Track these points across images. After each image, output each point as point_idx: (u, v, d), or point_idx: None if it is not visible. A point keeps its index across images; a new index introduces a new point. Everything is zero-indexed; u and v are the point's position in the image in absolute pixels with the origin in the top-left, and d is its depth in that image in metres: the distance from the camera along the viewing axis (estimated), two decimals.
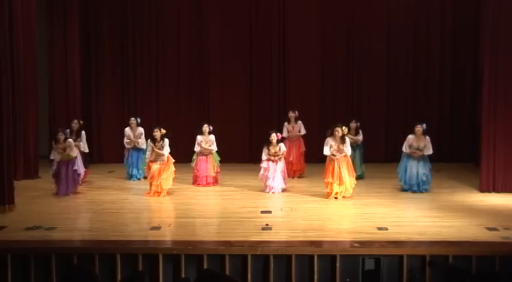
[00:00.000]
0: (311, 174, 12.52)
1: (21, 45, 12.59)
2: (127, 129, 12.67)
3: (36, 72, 13.29)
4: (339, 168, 10.72)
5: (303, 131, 12.76)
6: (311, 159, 12.88)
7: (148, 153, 11.46)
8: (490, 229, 8.66)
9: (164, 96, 14.99)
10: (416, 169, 11.24)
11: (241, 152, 14.46)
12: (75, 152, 11.34)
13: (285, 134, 12.48)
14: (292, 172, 12.51)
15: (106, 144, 14.38)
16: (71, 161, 11.24)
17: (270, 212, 9.85)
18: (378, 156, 13.82)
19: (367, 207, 10.22)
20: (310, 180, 12.30)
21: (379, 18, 14.77)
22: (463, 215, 9.51)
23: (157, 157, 11.27)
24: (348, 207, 10.33)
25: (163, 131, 11.42)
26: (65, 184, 11.17)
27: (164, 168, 11.24)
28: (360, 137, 12.30)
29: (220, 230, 9.08)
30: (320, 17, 14.82)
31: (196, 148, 12.00)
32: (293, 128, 12.78)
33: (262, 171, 11.45)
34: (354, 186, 10.91)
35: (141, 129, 12.62)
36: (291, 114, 12.83)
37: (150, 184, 11.26)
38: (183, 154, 12.40)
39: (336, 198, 10.73)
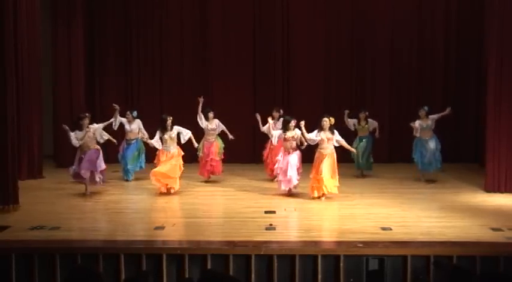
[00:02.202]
0: None
1: (26, 45, 12.61)
2: (123, 119, 12.63)
3: (40, 72, 13.31)
4: (320, 164, 10.59)
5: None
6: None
7: (155, 142, 11.31)
8: (494, 229, 8.65)
9: (167, 96, 15.00)
10: (434, 146, 11.97)
11: (245, 153, 14.43)
12: (105, 135, 11.37)
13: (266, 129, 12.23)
14: None
15: (110, 144, 14.33)
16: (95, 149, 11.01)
17: (273, 212, 9.85)
18: (381, 157, 13.77)
19: (370, 207, 10.20)
20: None
21: (383, 18, 14.75)
22: (467, 215, 9.49)
23: (170, 145, 11.26)
24: (351, 207, 10.30)
25: (171, 118, 11.47)
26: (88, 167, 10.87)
27: (173, 163, 11.21)
28: (374, 122, 12.68)
29: (224, 230, 9.07)
30: (324, 14, 14.79)
31: (200, 120, 12.21)
32: (275, 125, 12.52)
33: (277, 165, 11.15)
34: (336, 185, 10.70)
35: (138, 122, 12.58)
36: (275, 113, 12.63)
37: (157, 177, 11.14)
38: (186, 154, 12.38)
39: (320, 197, 10.56)
